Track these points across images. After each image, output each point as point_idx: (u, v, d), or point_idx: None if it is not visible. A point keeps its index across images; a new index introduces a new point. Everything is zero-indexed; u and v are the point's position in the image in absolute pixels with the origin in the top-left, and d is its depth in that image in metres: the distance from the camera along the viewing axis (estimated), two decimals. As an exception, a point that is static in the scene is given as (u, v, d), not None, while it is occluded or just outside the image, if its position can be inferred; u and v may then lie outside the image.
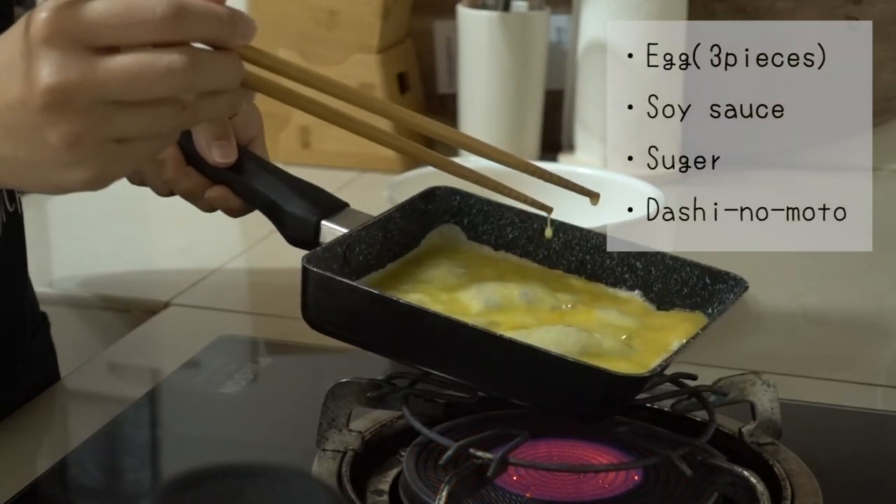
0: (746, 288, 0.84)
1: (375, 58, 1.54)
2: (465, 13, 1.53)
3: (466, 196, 0.92)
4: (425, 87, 1.65)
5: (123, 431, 0.93)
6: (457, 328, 0.77)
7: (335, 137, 1.54)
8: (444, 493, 0.74)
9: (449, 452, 0.77)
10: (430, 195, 0.92)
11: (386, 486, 0.82)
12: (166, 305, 1.16)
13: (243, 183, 0.89)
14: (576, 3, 1.54)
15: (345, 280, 0.81)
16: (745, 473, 0.77)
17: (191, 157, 0.90)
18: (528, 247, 0.91)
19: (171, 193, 0.93)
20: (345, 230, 0.86)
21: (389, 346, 0.81)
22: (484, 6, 1.52)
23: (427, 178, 1.16)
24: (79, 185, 0.71)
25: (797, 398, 0.95)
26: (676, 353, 0.79)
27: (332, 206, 0.88)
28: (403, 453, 0.83)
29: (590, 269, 0.89)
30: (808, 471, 0.83)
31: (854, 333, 1.16)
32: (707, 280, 0.86)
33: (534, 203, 0.84)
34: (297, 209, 0.88)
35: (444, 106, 1.65)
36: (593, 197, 0.86)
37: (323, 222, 0.87)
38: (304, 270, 0.80)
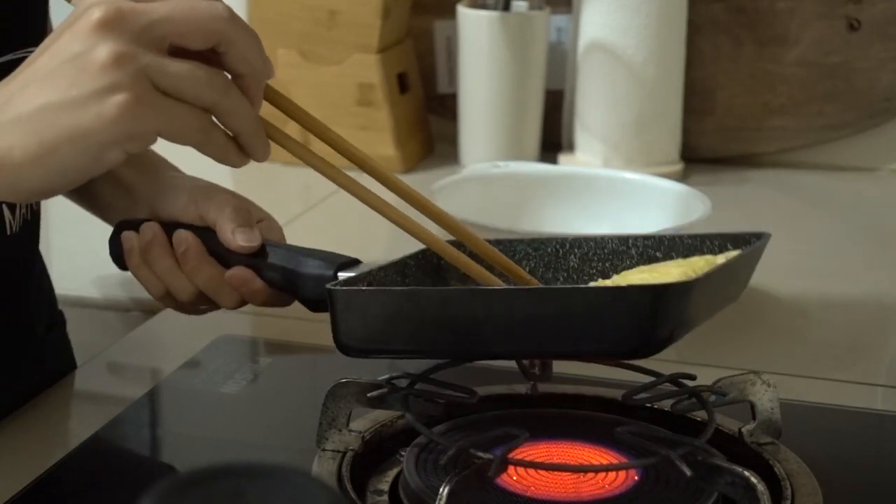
0: (769, 236, 0.85)
1: (375, 58, 1.54)
2: (465, 13, 1.53)
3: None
4: (425, 87, 1.65)
5: (123, 431, 0.93)
6: (486, 295, 0.77)
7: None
8: (445, 493, 0.73)
9: (449, 452, 0.77)
10: None
11: (386, 486, 0.82)
12: (166, 305, 1.16)
13: (259, 264, 0.90)
14: (576, 3, 1.54)
15: (371, 288, 0.81)
16: (746, 473, 0.76)
17: (209, 246, 0.91)
18: (547, 274, 0.90)
19: (195, 300, 0.92)
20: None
21: (433, 344, 0.79)
22: (484, 6, 1.52)
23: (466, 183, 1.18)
24: (111, 123, 0.71)
25: (797, 398, 0.95)
26: (722, 265, 0.79)
27: (347, 262, 0.88)
28: (403, 453, 0.83)
29: (612, 274, 0.89)
30: (808, 471, 0.83)
31: (854, 333, 1.16)
32: (730, 246, 0.87)
33: None
34: (311, 269, 0.88)
35: (444, 106, 1.65)
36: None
37: (340, 274, 0.87)
38: (330, 294, 0.79)
